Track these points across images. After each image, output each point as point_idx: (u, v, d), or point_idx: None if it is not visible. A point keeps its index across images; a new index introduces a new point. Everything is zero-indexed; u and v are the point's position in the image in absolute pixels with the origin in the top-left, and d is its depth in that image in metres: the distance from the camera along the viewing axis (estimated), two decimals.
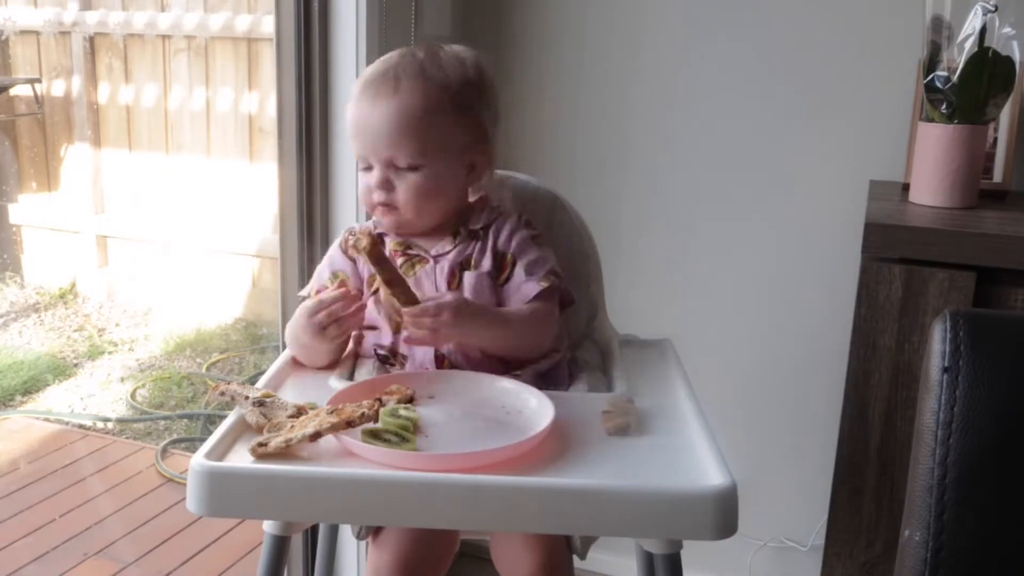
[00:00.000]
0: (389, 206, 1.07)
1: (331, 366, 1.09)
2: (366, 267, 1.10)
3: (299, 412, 0.89)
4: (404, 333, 1.05)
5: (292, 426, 0.85)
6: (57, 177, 3.40)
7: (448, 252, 1.09)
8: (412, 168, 1.05)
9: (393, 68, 1.06)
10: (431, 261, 1.09)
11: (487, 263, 1.09)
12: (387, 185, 1.06)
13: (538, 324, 1.07)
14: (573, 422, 0.91)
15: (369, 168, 1.08)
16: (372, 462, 0.83)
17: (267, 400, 0.92)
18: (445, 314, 0.99)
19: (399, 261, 1.09)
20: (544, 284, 1.07)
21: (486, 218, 1.12)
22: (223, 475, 0.80)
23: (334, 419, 0.83)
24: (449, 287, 1.07)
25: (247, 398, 0.91)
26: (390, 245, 1.11)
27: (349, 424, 0.83)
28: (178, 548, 2.07)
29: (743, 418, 1.80)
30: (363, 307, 1.08)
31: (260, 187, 3.21)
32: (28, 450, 2.56)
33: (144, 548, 2.07)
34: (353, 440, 0.84)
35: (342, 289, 1.09)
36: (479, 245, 1.10)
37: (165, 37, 3.22)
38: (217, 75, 3.20)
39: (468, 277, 1.08)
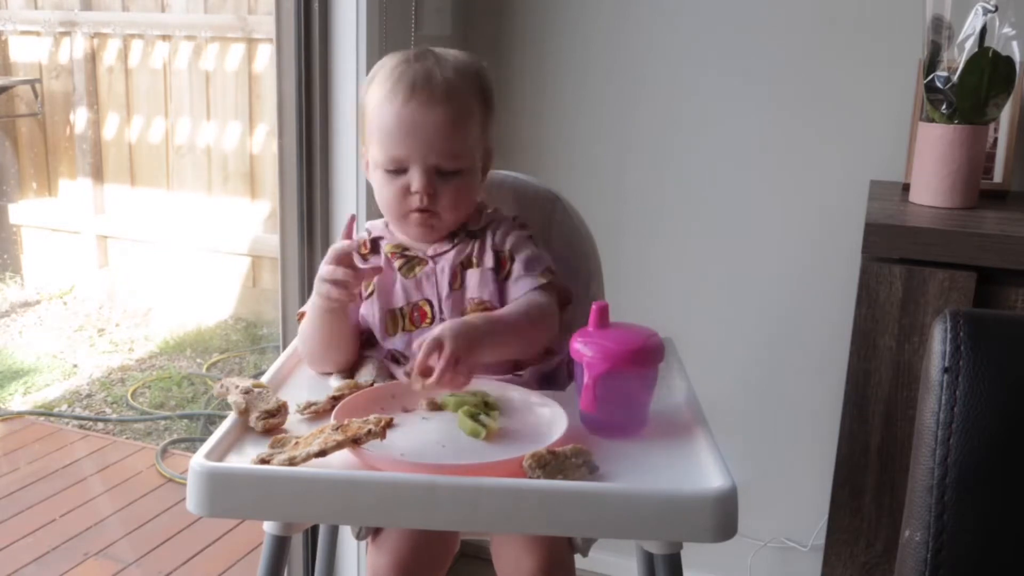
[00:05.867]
0: (431, 212, 1.06)
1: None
2: (367, 264, 1.10)
3: (279, 408, 0.90)
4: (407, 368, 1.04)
5: (296, 442, 0.84)
6: (57, 177, 3.39)
7: (447, 252, 1.09)
8: (455, 172, 1.05)
9: (425, 72, 1.04)
10: (430, 262, 1.09)
11: (489, 260, 1.09)
12: (432, 189, 1.04)
13: (538, 320, 1.06)
14: (572, 424, 0.90)
15: (401, 171, 1.05)
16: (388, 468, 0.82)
17: (255, 389, 0.92)
18: (446, 343, 0.93)
19: (397, 263, 1.09)
20: (542, 280, 1.07)
21: (485, 219, 1.12)
22: (223, 475, 0.80)
23: (340, 436, 0.82)
24: (451, 287, 1.07)
25: (238, 387, 0.92)
26: (385, 248, 1.11)
27: (355, 442, 0.81)
28: (178, 548, 2.07)
29: (743, 418, 1.80)
30: (361, 277, 1.04)
31: (261, 187, 3.21)
32: (28, 450, 2.56)
33: (144, 548, 2.07)
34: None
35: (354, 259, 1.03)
36: (478, 244, 1.10)
37: (165, 37, 3.22)
38: (218, 78, 3.20)
39: (471, 275, 1.08)
